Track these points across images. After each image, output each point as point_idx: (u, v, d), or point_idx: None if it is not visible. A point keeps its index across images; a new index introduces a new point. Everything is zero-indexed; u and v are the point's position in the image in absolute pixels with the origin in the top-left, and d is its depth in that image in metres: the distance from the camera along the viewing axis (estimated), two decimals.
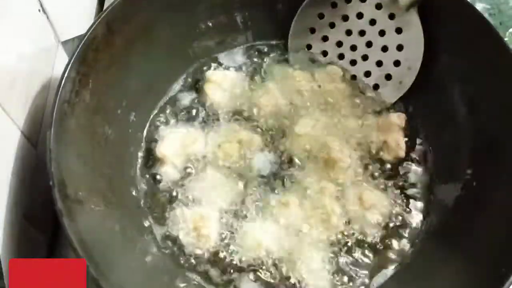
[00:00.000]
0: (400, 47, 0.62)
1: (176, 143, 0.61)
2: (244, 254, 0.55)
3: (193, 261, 0.56)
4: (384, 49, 0.63)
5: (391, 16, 0.62)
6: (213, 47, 0.68)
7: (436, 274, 0.52)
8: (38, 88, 0.57)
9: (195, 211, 0.57)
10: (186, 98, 0.66)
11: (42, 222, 0.56)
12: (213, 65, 0.68)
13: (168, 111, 0.65)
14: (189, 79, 0.67)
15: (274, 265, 0.55)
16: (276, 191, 0.59)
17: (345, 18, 0.65)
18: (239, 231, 0.57)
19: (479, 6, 0.81)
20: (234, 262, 0.55)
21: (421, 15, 0.60)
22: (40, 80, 0.57)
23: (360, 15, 0.64)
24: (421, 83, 0.62)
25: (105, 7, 0.67)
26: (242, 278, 0.55)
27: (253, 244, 0.55)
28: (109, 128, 0.56)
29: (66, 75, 0.49)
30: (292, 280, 0.54)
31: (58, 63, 0.62)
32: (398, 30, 0.62)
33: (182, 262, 0.56)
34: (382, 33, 0.63)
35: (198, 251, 0.56)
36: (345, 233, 0.57)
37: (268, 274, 0.55)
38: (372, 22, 0.63)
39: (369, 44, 0.64)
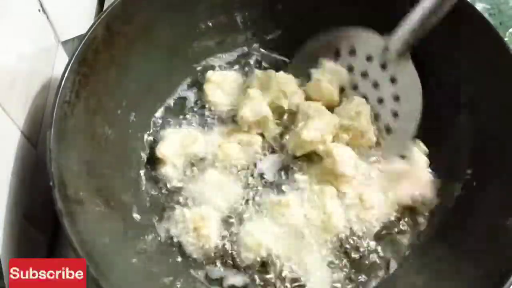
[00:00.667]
0: (396, 98, 0.60)
1: (176, 143, 0.61)
2: (245, 254, 0.55)
3: (193, 261, 0.56)
4: (380, 101, 0.61)
5: (383, 66, 0.60)
6: (213, 47, 0.68)
7: (436, 274, 0.52)
8: (38, 88, 0.57)
9: (195, 211, 0.57)
10: (187, 99, 0.66)
11: (42, 222, 0.56)
12: (213, 65, 0.68)
13: (168, 112, 0.65)
14: (189, 80, 0.67)
15: (274, 265, 0.55)
16: (276, 191, 0.59)
17: None
18: (239, 231, 0.57)
19: (479, 6, 0.81)
20: (235, 262, 0.55)
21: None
22: (40, 80, 0.57)
23: (350, 68, 0.62)
24: (421, 83, 0.62)
25: (105, 7, 0.67)
26: (242, 278, 0.55)
27: (253, 244, 0.55)
28: (109, 128, 0.56)
29: (66, 75, 0.50)
30: (292, 280, 0.54)
31: (58, 63, 0.62)
32: (392, 80, 0.59)
33: (182, 262, 0.56)
34: (376, 85, 0.61)
35: (198, 251, 0.56)
36: (345, 233, 0.57)
37: (268, 274, 0.55)
38: (364, 74, 0.61)
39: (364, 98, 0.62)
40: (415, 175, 0.59)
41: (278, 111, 0.63)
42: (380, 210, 0.58)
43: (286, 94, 0.61)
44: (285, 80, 0.62)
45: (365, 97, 0.61)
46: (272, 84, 0.61)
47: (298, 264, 0.55)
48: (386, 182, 0.59)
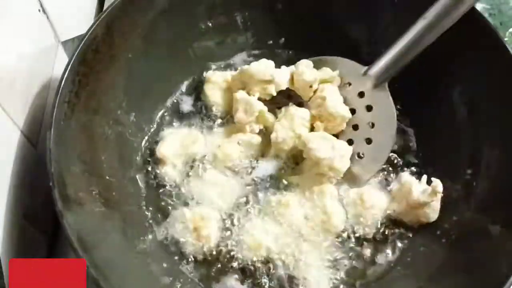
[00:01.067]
0: (371, 125, 0.60)
1: (176, 143, 0.61)
2: (245, 254, 0.55)
3: (193, 261, 0.56)
4: (355, 127, 0.61)
5: (361, 94, 0.60)
6: (213, 47, 0.68)
7: (437, 274, 0.52)
8: (38, 88, 0.57)
9: (195, 211, 0.57)
10: (186, 99, 0.66)
11: (42, 222, 0.56)
12: (213, 66, 0.68)
13: (168, 112, 0.65)
14: (189, 80, 0.67)
15: (274, 264, 0.55)
16: (276, 191, 0.59)
17: None
18: (239, 231, 0.57)
19: (479, 6, 0.81)
20: (235, 263, 0.55)
21: None
22: (40, 80, 0.57)
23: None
24: (420, 84, 0.62)
25: (105, 7, 0.67)
26: (242, 278, 0.55)
27: (254, 244, 0.55)
28: (109, 128, 0.56)
29: (66, 75, 0.50)
30: (293, 279, 0.54)
31: (58, 63, 0.62)
32: (369, 108, 0.60)
33: (182, 262, 0.56)
34: (352, 111, 0.60)
35: (198, 251, 0.56)
36: (345, 233, 0.57)
37: (269, 273, 0.55)
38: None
39: None
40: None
41: (270, 102, 0.63)
42: (380, 210, 0.58)
43: (270, 81, 0.61)
44: (258, 71, 0.61)
45: None
46: (251, 78, 0.61)
47: (297, 264, 0.55)
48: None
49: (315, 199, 0.57)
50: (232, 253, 0.56)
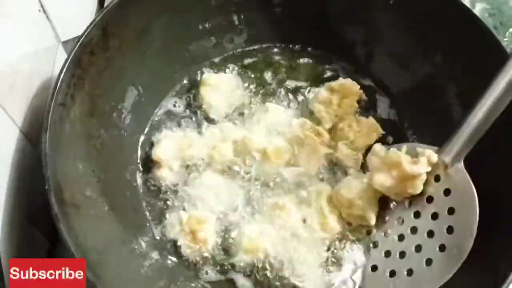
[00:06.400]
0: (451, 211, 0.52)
1: (172, 146, 0.60)
2: (242, 256, 0.55)
3: (191, 264, 0.56)
4: (434, 216, 0.53)
5: (437, 179, 0.54)
6: (209, 49, 0.68)
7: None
8: (38, 88, 0.57)
9: (192, 214, 0.57)
10: (182, 101, 0.66)
11: (42, 222, 0.56)
12: (209, 67, 0.68)
13: (164, 114, 0.65)
14: (186, 82, 0.67)
15: (272, 266, 0.55)
16: (273, 193, 0.59)
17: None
18: (236, 233, 0.57)
19: (479, 7, 0.81)
20: (232, 265, 0.56)
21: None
22: (40, 80, 0.57)
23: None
24: (417, 84, 0.62)
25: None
26: (240, 280, 0.55)
27: (251, 247, 0.55)
28: (105, 131, 0.56)
29: (61, 78, 0.49)
30: (290, 281, 0.54)
31: (58, 63, 0.62)
32: (446, 192, 0.53)
33: (180, 265, 0.56)
34: (430, 199, 0.54)
35: (195, 254, 0.56)
36: (342, 234, 0.57)
37: (266, 275, 0.55)
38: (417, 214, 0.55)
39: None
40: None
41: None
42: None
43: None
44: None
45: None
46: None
47: (295, 265, 0.55)
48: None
49: (312, 201, 0.57)
50: (229, 255, 0.56)
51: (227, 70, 0.68)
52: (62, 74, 0.50)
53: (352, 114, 0.63)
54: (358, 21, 0.65)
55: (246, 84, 0.67)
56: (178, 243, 0.56)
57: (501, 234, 0.49)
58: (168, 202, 0.59)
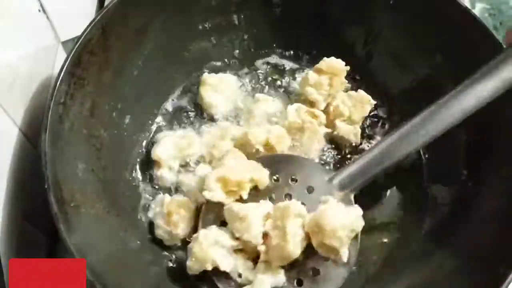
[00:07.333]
0: None
1: (172, 146, 0.60)
2: (190, 263, 0.51)
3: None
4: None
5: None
6: (209, 49, 0.68)
7: (435, 274, 0.52)
8: (38, 88, 0.57)
9: (174, 198, 0.57)
10: (182, 101, 0.66)
11: (42, 222, 0.56)
12: (209, 67, 0.68)
13: (163, 114, 0.65)
14: (185, 82, 0.67)
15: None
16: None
17: None
18: (196, 236, 0.51)
19: (479, 6, 0.82)
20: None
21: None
22: (40, 80, 0.57)
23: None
24: (418, 84, 0.62)
25: None
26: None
27: (200, 256, 0.50)
28: (104, 131, 0.56)
29: (60, 77, 0.49)
30: None
31: (58, 63, 0.62)
32: None
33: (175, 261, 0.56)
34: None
35: (166, 237, 0.55)
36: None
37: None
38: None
39: None
40: None
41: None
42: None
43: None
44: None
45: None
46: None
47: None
48: None
49: (277, 218, 0.50)
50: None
51: (227, 70, 0.68)
52: (62, 74, 0.50)
53: (343, 90, 0.64)
54: (358, 21, 0.65)
55: (246, 84, 0.67)
56: (155, 223, 0.56)
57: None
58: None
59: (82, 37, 0.52)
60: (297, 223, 0.50)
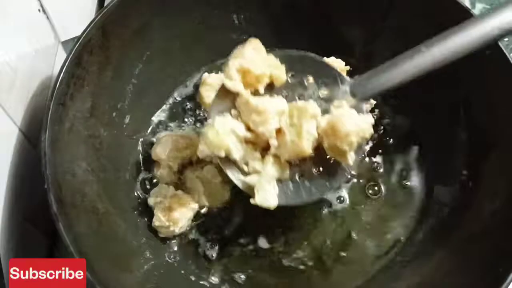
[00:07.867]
0: None
1: (171, 145, 0.60)
2: (202, 148, 0.51)
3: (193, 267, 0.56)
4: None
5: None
6: (209, 49, 0.68)
7: (435, 274, 0.52)
8: (38, 88, 0.57)
9: (178, 194, 0.57)
10: (182, 101, 0.66)
11: (42, 222, 0.56)
12: (210, 67, 0.68)
13: (163, 113, 0.65)
14: (185, 82, 0.67)
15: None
16: None
17: None
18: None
19: (479, 6, 0.81)
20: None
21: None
22: (40, 80, 0.57)
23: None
24: (416, 84, 0.62)
25: None
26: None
27: (215, 141, 0.49)
28: (104, 131, 0.56)
29: (60, 77, 0.49)
30: None
31: (58, 63, 0.62)
32: None
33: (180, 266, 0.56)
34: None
35: (163, 231, 0.56)
36: None
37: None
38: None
39: None
40: None
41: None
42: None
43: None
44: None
45: None
46: None
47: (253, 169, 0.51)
48: None
49: (294, 115, 0.50)
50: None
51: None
52: (62, 74, 0.49)
53: None
54: (358, 21, 0.65)
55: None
56: (154, 211, 0.56)
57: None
58: None
59: (82, 37, 0.52)
60: (312, 123, 0.50)
